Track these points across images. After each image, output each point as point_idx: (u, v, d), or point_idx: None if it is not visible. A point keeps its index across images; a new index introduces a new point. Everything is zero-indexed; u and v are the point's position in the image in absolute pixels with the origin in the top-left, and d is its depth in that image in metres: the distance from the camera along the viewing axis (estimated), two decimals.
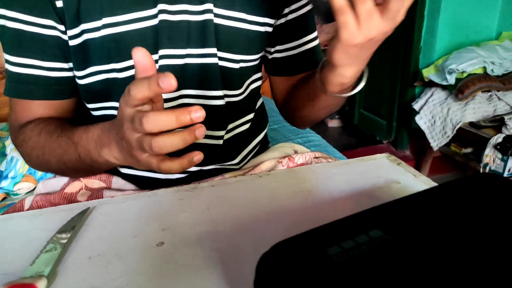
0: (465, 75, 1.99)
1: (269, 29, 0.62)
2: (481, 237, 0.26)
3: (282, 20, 0.64)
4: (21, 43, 0.52)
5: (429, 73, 2.16)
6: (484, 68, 1.99)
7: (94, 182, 0.60)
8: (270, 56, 0.68)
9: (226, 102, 0.61)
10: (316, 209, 0.45)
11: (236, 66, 0.60)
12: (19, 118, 0.57)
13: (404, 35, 2.31)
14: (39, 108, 0.56)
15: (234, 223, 0.43)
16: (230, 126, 0.65)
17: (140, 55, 0.37)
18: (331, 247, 0.25)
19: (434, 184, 0.49)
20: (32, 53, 0.53)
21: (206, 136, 0.62)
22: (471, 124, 1.96)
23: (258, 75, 0.68)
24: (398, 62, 2.42)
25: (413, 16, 2.23)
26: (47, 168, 0.56)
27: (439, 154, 2.27)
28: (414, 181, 0.50)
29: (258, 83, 0.69)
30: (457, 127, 1.98)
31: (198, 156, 0.39)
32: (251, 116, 0.69)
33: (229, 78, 0.60)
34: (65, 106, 0.58)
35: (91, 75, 0.55)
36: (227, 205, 0.46)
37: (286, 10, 0.63)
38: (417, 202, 0.31)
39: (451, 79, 2.00)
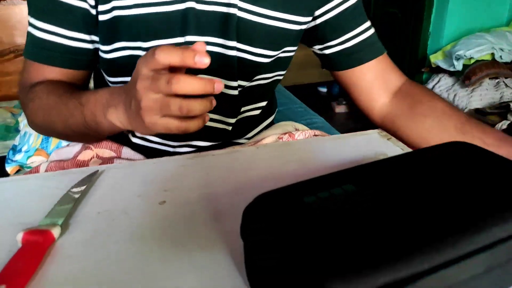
0: (472, 61, 1.98)
1: (297, 27, 0.62)
2: (442, 190, 0.29)
3: (325, 17, 0.64)
4: (50, 11, 0.56)
5: (436, 59, 2.16)
6: (493, 54, 1.98)
7: (105, 151, 0.64)
8: (323, 52, 0.69)
9: (240, 92, 0.64)
10: (307, 175, 0.48)
11: (254, 59, 0.62)
12: (31, 78, 0.60)
13: (413, 21, 2.30)
14: (53, 73, 0.59)
15: (231, 186, 0.46)
16: (241, 110, 0.68)
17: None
18: (307, 197, 0.29)
19: None
20: (58, 21, 0.56)
21: (216, 121, 0.65)
22: (477, 110, 1.97)
23: (280, 72, 0.70)
24: (406, 48, 2.42)
25: (423, 1, 2.22)
26: (50, 130, 0.59)
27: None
28: None
29: (277, 78, 0.70)
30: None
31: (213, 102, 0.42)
32: (263, 104, 0.72)
33: (245, 70, 0.62)
34: (78, 76, 0.61)
35: (117, 50, 0.58)
36: (225, 171, 0.50)
37: (324, 9, 0.63)
38: (390, 163, 0.34)
39: (459, 65, 2.00)
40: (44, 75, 0.59)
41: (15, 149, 1.36)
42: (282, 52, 0.66)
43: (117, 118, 0.48)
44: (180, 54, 0.38)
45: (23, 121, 1.47)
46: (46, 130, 0.60)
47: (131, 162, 0.56)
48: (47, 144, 1.29)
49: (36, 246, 0.35)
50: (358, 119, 3.22)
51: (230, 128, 0.67)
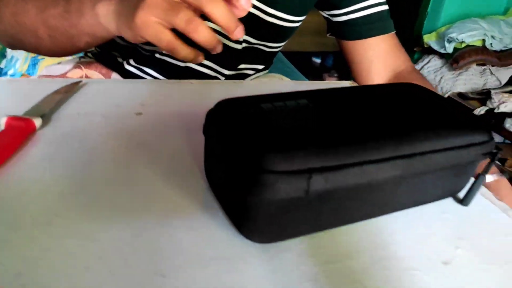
0: (463, 45, 2.02)
1: None
2: (382, 111, 0.34)
3: None
4: None
5: (429, 39, 2.18)
6: (484, 41, 2.01)
7: (94, 73, 0.67)
8: (331, 18, 0.69)
9: (243, 48, 0.65)
10: None
11: (272, 20, 0.62)
12: None
13: None
14: None
15: (205, 108, 0.50)
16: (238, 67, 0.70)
17: None
18: (264, 104, 0.32)
19: None
20: None
21: (212, 69, 0.67)
22: (459, 94, 2.02)
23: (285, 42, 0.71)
24: (402, 26, 2.42)
25: None
26: (17, 37, 0.51)
27: None
28: None
29: (280, 45, 0.71)
30: (446, 95, 2.04)
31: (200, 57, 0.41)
32: (261, 67, 0.74)
33: (255, 26, 0.62)
34: None
35: None
36: (200, 96, 0.53)
37: None
38: (346, 89, 0.38)
39: (450, 48, 2.03)
40: None
41: (0, 73, 1.36)
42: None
43: (106, 11, 0.43)
44: None
45: None
46: (12, 39, 0.52)
47: (112, 79, 0.59)
48: (33, 70, 1.30)
49: (18, 130, 0.39)
50: None
51: (223, 78, 0.69)
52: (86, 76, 0.66)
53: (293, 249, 0.30)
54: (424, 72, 2.19)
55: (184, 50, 0.38)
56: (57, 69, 0.68)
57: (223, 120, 0.31)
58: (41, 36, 0.50)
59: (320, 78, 3.34)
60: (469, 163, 0.35)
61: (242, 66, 0.70)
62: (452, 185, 0.37)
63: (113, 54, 0.70)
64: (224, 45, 0.62)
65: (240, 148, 0.28)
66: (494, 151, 0.34)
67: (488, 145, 0.34)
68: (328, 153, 0.27)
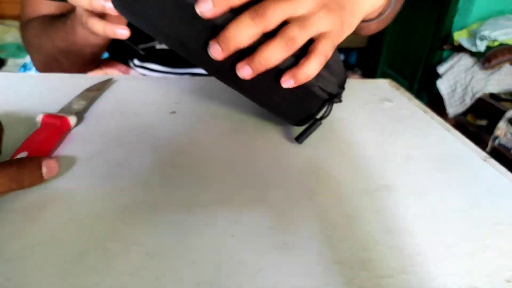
0: (496, 43, 1.94)
1: None
2: None
3: None
4: None
5: (460, 36, 2.11)
6: None
7: (114, 71, 0.66)
8: None
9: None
10: None
11: None
12: (28, 13, 0.62)
13: None
14: (48, 8, 0.61)
15: (240, 107, 0.48)
16: None
17: None
18: None
19: (425, 108, 0.53)
20: None
21: None
22: (491, 95, 1.95)
23: None
24: (431, 23, 2.36)
25: None
26: (43, 56, 0.60)
27: (453, 123, 2.28)
28: (407, 103, 0.54)
29: None
30: (477, 96, 1.98)
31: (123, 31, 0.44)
32: None
33: None
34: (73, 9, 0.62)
35: None
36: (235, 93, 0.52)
37: None
38: None
39: (481, 46, 1.96)
40: (40, 11, 0.61)
41: (25, 67, 1.39)
42: None
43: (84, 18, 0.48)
44: None
45: None
46: (40, 60, 0.61)
47: (143, 76, 0.58)
48: None
49: (54, 127, 0.38)
50: None
51: None
52: (107, 74, 0.66)
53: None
54: (455, 71, 2.12)
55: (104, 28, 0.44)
56: None
57: None
58: (60, 61, 0.59)
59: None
60: (311, 94, 0.38)
61: None
62: (291, 109, 0.40)
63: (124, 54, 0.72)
64: None
65: None
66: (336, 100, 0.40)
67: (331, 86, 0.38)
68: None
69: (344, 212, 0.32)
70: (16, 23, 1.90)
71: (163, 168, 0.36)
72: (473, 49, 2.01)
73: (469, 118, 2.17)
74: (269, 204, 0.32)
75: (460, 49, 2.14)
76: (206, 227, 0.29)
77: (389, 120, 0.48)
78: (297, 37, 0.33)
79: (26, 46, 0.62)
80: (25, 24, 0.62)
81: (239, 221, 0.30)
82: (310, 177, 0.36)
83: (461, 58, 2.13)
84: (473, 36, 2.04)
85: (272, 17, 0.32)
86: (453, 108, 2.14)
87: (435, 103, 2.37)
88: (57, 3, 0.62)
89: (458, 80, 2.10)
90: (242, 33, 0.31)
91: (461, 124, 2.21)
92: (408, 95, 0.57)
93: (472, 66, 2.07)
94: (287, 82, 0.35)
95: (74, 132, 0.40)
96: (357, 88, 0.57)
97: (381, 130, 0.46)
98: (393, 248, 0.30)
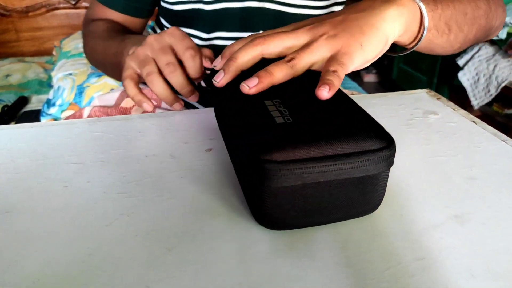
0: None
1: None
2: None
3: None
4: None
5: None
6: None
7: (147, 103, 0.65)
8: None
9: (299, 13, 0.67)
10: None
11: (293, 10, 0.66)
12: (94, 15, 0.69)
13: None
14: (114, 15, 0.67)
15: None
16: None
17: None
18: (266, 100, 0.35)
19: (473, 117, 0.49)
20: None
21: None
22: None
23: None
24: None
25: None
26: (94, 59, 0.68)
27: (479, 114, 2.20)
28: (453, 113, 0.51)
29: None
30: (503, 85, 1.90)
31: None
32: None
33: (279, 23, 0.62)
34: (136, 24, 0.69)
35: (180, 3, 0.66)
36: None
37: None
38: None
39: (503, 33, 1.90)
40: (105, 15, 0.67)
41: (49, 103, 1.39)
42: (333, 5, 0.67)
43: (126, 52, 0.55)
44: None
45: (56, 76, 1.50)
46: (92, 59, 0.69)
47: (174, 111, 0.56)
48: (80, 99, 1.31)
49: None
50: (388, 90, 3.14)
51: None
52: None
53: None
54: (475, 61, 2.05)
55: (158, 85, 0.49)
56: (108, 99, 0.67)
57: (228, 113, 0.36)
58: (105, 67, 0.69)
59: (357, 75, 3.24)
60: (370, 177, 0.30)
61: None
62: (362, 203, 0.32)
63: None
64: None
65: (248, 143, 0.29)
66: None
67: (388, 153, 0.29)
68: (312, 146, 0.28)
69: (416, 255, 0.29)
70: (37, 59, 1.92)
71: (199, 216, 0.33)
72: (494, 37, 1.94)
73: (496, 107, 2.09)
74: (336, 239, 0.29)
75: None
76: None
77: (439, 136, 0.45)
78: (297, 56, 0.37)
79: (85, 45, 0.70)
80: (89, 23, 0.69)
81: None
82: (369, 215, 0.33)
83: (480, 47, 2.06)
84: None
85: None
86: (478, 99, 2.07)
87: (458, 96, 2.30)
88: (125, 16, 0.68)
89: (480, 70, 2.03)
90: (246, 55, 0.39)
91: (488, 115, 2.14)
92: (451, 104, 0.53)
93: (494, 54, 2.00)
94: (323, 90, 0.34)
95: None
96: (396, 103, 0.54)
97: (434, 150, 0.42)
98: None
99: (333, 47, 0.37)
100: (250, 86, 0.35)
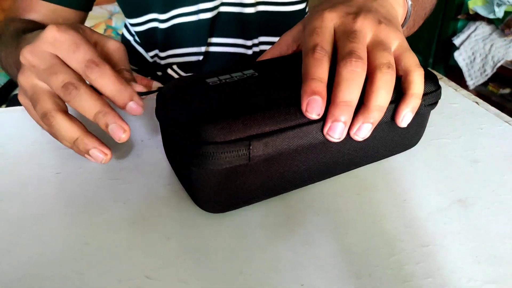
0: None
1: None
2: None
3: None
4: None
5: (475, 4, 2.02)
6: None
7: (138, 86, 0.63)
8: None
9: (257, 12, 0.63)
10: None
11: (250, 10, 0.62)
12: (18, 13, 0.55)
13: None
14: (41, 9, 0.54)
15: None
16: (262, 39, 0.66)
17: None
18: (210, 79, 0.32)
19: (475, 98, 0.48)
20: None
21: (235, 45, 0.65)
22: None
23: None
24: None
25: None
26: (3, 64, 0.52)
27: (475, 94, 2.20)
28: (454, 94, 0.50)
29: (298, 7, 0.67)
30: (499, 65, 1.89)
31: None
32: None
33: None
34: (68, 17, 0.56)
35: None
36: None
37: None
38: (291, 58, 0.36)
39: (500, 12, 1.87)
40: (32, 10, 0.54)
41: None
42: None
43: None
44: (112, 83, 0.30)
45: None
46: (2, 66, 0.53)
47: None
48: None
49: None
50: None
51: (250, 52, 0.66)
52: None
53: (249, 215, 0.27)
54: (472, 41, 2.03)
55: (63, 127, 0.31)
56: None
57: (168, 98, 0.31)
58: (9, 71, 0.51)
59: None
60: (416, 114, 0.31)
61: (264, 39, 0.67)
62: (405, 138, 0.36)
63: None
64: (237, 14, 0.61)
65: (182, 122, 0.28)
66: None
67: (435, 94, 0.33)
68: (266, 120, 0.27)
69: (420, 241, 0.29)
70: None
71: None
72: (491, 16, 1.92)
73: (491, 87, 2.08)
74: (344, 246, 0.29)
75: (476, 17, 2.04)
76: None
77: (442, 118, 0.44)
78: (390, 59, 0.29)
79: None
80: (8, 21, 0.54)
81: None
82: (371, 201, 0.33)
83: (477, 27, 2.04)
84: (489, 2, 1.95)
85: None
86: (474, 79, 2.06)
87: (453, 76, 2.29)
88: (54, 7, 0.54)
89: (476, 50, 2.02)
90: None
91: (483, 95, 2.13)
92: (453, 84, 0.52)
93: (490, 34, 1.98)
94: (406, 117, 0.30)
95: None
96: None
97: (437, 132, 0.41)
98: (489, 284, 0.26)
99: (397, 36, 0.32)
100: (364, 135, 0.29)
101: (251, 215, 0.31)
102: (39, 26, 0.51)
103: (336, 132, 0.27)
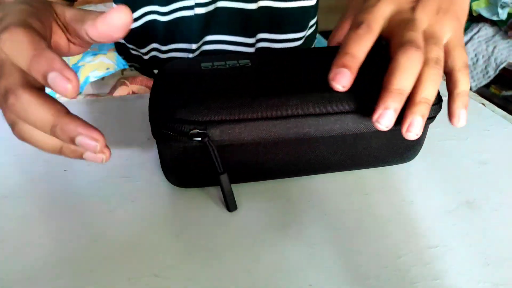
0: None
1: None
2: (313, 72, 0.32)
3: None
4: None
5: (479, 6, 2.02)
6: None
7: (141, 88, 0.63)
8: None
9: (259, 7, 0.60)
10: None
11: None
12: None
13: None
14: None
15: None
16: (262, 35, 0.64)
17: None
18: (206, 63, 0.34)
19: (481, 99, 0.48)
20: None
21: (234, 43, 0.63)
22: None
23: None
24: None
25: None
26: None
27: None
28: None
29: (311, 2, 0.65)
30: (501, 66, 1.89)
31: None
32: (297, 35, 0.67)
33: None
34: None
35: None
36: None
37: None
38: (294, 51, 0.37)
39: (503, 14, 1.87)
40: None
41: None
42: None
43: None
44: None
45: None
46: None
47: None
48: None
49: None
50: None
51: (252, 49, 0.63)
52: (133, 92, 0.62)
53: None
54: (475, 42, 2.03)
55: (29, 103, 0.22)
56: (103, 86, 0.64)
57: (160, 79, 0.33)
58: None
59: None
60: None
61: (265, 36, 0.64)
62: (397, 150, 0.34)
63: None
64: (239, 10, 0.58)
65: (158, 100, 0.30)
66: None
67: (437, 107, 0.32)
68: (230, 109, 0.28)
69: (428, 242, 0.29)
70: None
71: None
72: (494, 18, 1.91)
73: (493, 89, 2.08)
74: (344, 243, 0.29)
75: (479, 19, 2.04)
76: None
77: (446, 119, 0.44)
78: (439, 54, 0.27)
79: None
80: None
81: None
82: (379, 201, 0.33)
83: (480, 28, 2.04)
84: (492, 4, 1.94)
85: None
86: (476, 81, 2.05)
87: None
88: None
89: (479, 52, 2.01)
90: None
91: (485, 97, 2.13)
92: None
93: (493, 36, 1.98)
94: (462, 115, 0.29)
95: None
96: None
97: (444, 133, 0.41)
98: (498, 286, 0.26)
99: (453, 27, 0.31)
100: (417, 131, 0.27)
101: (259, 215, 0.31)
102: None
103: (385, 119, 0.26)
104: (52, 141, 0.24)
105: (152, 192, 0.33)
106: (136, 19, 0.62)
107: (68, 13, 0.27)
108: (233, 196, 0.31)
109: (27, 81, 0.23)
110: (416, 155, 0.36)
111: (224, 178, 0.30)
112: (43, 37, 0.23)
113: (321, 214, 0.31)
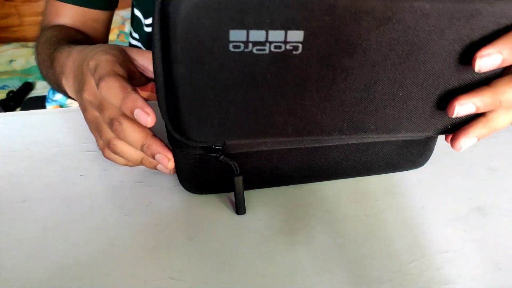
0: None
1: None
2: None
3: None
4: None
5: None
6: None
7: (152, 95, 0.64)
8: None
9: None
10: None
11: None
12: (48, 19, 0.57)
13: None
14: (69, 12, 0.56)
15: None
16: None
17: None
18: (235, 33, 0.21)
19: None
20: None
21: None
22: None
23: None
24: None
25: None
26: (42, 74, 0.53)
27: None
28: None
29: None
30: None
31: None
32: None
33: None
34: (96, 17, 0.58)
35: None
36: None
37: None
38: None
39: None
40: (60, 16, 0.56)
41: (46, 100, 1.38)
42: None
43: (67, 88, 0.41)
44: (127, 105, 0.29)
45: None
46: (41, 71, 0.53)
47: None
48: None
49: None
50: None
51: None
52: (144, 99, 0.63)
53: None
54: None
55: (129, 127, 0.31)
56: None
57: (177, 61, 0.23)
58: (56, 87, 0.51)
59: None
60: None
61: None
62: (408, 156, 0.35)
63: None
64: None
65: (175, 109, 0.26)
66: None
67: None
68: (251, 135, 0.27)
69: (440, 247, 0.29)
70: None
71: None
72: None
73: None
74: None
75: None
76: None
77: None
78: None
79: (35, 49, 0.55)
80: (41, 32, 0.56)
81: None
82: (390, 207, 0.33)
83: None
84: None
85: None
86: None
87: None
88: (81, 10, 0.56)
89: None
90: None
91: None
92: None
93: None
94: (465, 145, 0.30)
95: None
96: None
97: None
98: None
99: None
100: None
101: (272, 220, 0.31)
102: (69, 32, 0.53)
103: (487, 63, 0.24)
104: (137, 155, 0.33)
105: (166, 196, 0.34)
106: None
107: (138, 58, 0.35)
108: (244, 200, 0.32)
109: (123, 113, 0.31)
110: (426, 161, 0.36)
111: (238, 180, 0.31)
112: (127, 80, 0.30)
113: (334, 220, 0.31)
